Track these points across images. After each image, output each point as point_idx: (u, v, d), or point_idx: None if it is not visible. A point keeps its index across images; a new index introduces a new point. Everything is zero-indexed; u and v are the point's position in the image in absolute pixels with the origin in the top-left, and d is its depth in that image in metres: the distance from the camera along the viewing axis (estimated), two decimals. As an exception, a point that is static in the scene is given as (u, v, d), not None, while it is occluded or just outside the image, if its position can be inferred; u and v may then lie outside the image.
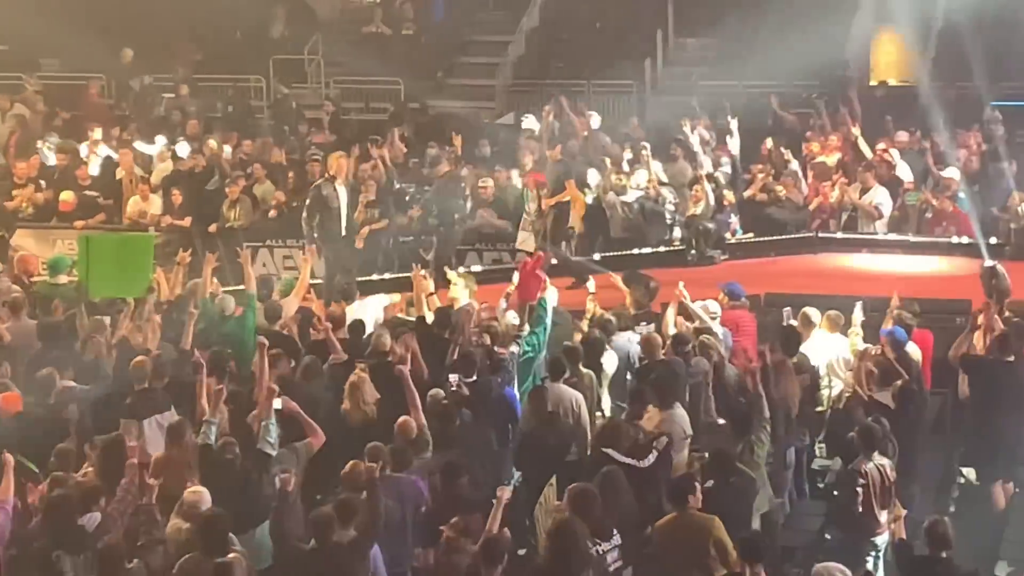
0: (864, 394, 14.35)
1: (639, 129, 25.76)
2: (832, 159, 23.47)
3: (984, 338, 15.09)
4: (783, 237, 22.12)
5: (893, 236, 21.63)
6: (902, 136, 24.00)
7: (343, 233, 20.44)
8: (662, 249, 21.68)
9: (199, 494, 11.19)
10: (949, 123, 24.58)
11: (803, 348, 15.27)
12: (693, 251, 21.24)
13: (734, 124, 23.61)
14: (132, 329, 15.64)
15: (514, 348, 14.89)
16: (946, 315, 17.13)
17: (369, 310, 16.88)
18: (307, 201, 20.46)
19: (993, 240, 20.76)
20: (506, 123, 28.77)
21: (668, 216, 22.21)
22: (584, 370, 14.64)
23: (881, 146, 23.55)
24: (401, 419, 12.68)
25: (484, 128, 27.30)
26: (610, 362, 15.21)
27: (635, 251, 21.44)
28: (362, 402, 13.51)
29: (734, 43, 29.62)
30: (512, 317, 15.95)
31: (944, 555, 10.56)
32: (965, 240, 20.96)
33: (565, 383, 14.15)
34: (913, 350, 15.23)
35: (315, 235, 20.10)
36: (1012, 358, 14.65)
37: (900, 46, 29.28)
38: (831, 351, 15.66)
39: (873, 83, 28.94)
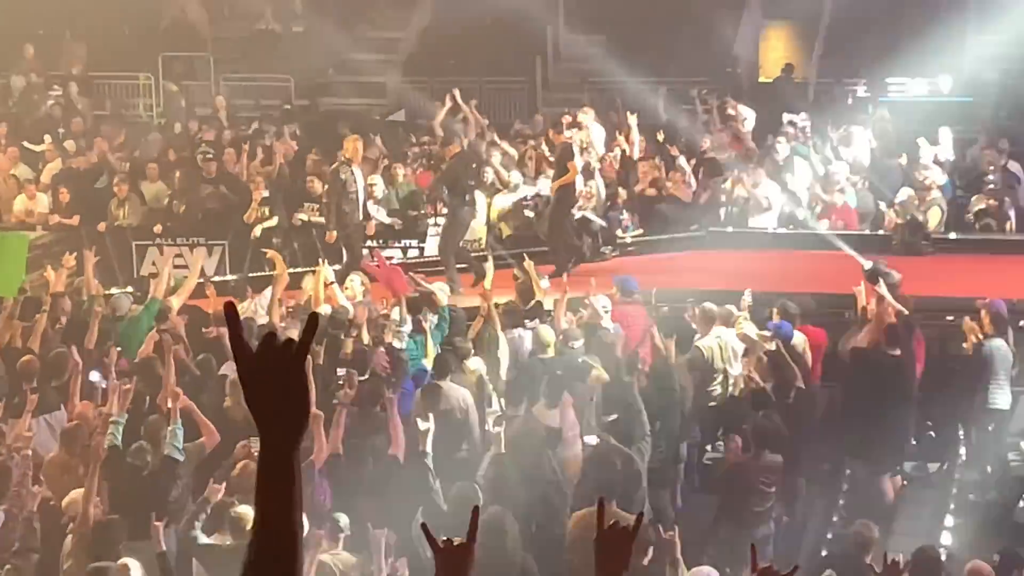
0: (753, 387, 14.47)
1: (536, 125, 25.91)
2: (723, 155, 23.62)
3: (873, 332, 15.25)
4: (673, 235, 22.13)
5: (783, 230, 21.79)
6: (790, 131, 24.18)
7: (360, 218, 20.25)
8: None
9: (76, 501, 11.09)
10: (837, 119, 24.91)
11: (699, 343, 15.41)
12: (586, 248, 21.26)
13: (633, 120, 23.60)
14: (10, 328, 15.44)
15: (396, 343, 14.94)
16: (834, 310, 17.26)
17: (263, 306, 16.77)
18: (325, 187, 20.14)
19: (881, 233, 20.98)
20: (397, 119, 28.74)
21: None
22: (472, 368, 14.64)
23: (769, 141, 23.76)
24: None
25: (375, 125, 27.25)
26: (503, 358, 15.20)
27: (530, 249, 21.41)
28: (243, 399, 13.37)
29: (624, 39, 29.71)
30: (394, 312, 15.91)
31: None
32: (853, 233, 21.15)
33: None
34: (800, 342, 15.40)
35: (334, 220, 19.75)
36: (899, 352, 14.82)
37: (788, 43, 29.57)
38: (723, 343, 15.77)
39: (763, 79, 29.20)
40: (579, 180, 20.47)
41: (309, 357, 3.32)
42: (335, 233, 19.65)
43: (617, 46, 29.51)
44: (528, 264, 16.80)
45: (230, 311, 3.20)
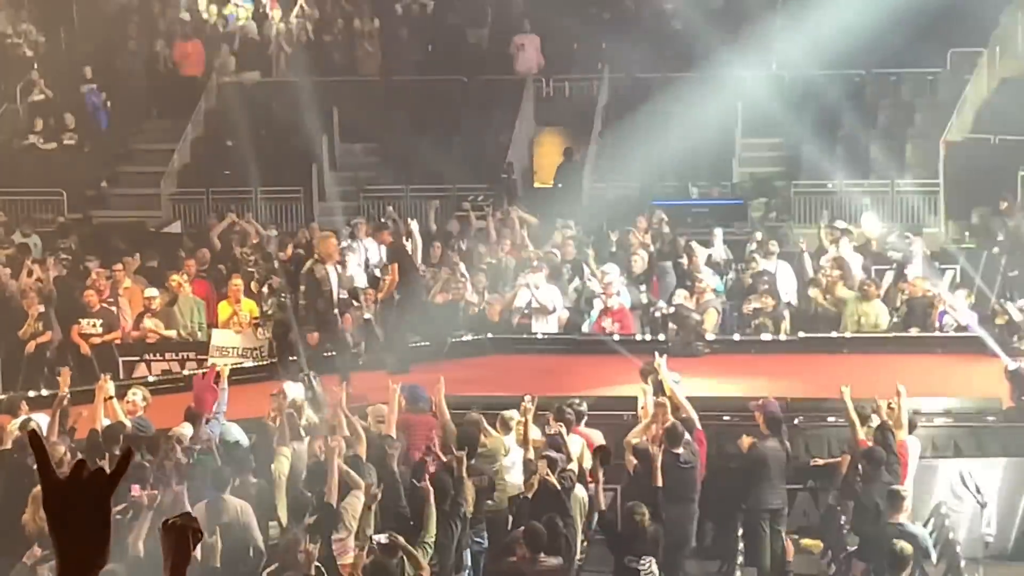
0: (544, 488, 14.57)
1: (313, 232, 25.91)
2: (507, 261, 23.85)
3: (653, 430, 15.47)
4: (458, 340, 22.06)
5: (564, 335, 21.98)
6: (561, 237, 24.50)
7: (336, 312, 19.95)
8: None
9: None
10: (611, 222, 25.34)
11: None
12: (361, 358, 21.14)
13: (414, 226, 23.64)
14: None
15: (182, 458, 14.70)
16: (614, 412, 17.41)
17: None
18: (301, 287, 19.89)
19: (661, 337, 21.23)
20: (173, 231, 28.46)
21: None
22: (252, 480, 14.53)
23: (547, 247, 24.05)
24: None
25: (149, 237, 27.00)
26: (281, 468, 15.09)
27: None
28: (37, 517, 13.12)
29: (399, 148, 29.91)
30: (187, 428, 15.67)
31: None
32: (631, 338, 21.41)
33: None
34: (577, 445, 15.60)
35: (312, 318, 19.52)
36: (680, 450, 15.02)
37: (562, 148, 29.98)
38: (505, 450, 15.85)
39: (537, 185, 29.55)
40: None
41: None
42: (317, 335, 19.50)
43: (392, 155, 29.72)
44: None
45: (34, 439, 3.20)
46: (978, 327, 20.79)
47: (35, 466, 3.15)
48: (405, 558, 12.65)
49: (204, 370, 17.04)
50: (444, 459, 14.52)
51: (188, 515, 3.56)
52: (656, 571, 14.10)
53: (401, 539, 12.81)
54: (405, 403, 16.31)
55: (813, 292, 22.74)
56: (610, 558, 15.08)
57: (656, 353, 17.07)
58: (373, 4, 32.84)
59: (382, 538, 12.88)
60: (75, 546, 3.03)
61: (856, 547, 15.09)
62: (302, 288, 19.60)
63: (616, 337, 21.24)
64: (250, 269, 22.16)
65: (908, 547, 13.19)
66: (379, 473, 14.51)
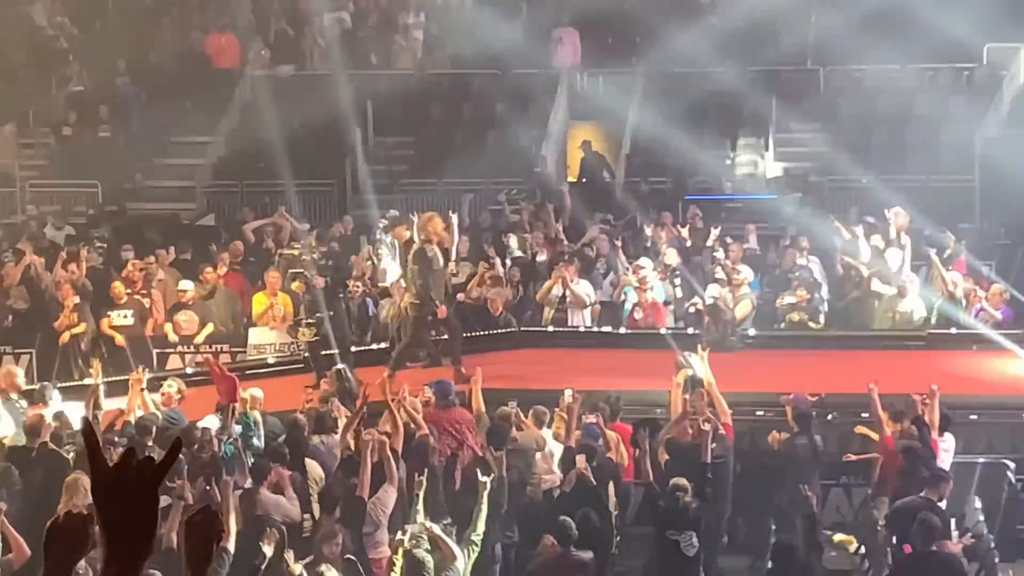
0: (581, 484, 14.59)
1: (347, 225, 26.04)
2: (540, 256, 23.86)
3: (685, 425, 15.47)
4: (489, 332, 22.05)
5: (596, 328, 21.97)
6: (594, 232, 24.48)
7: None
8: (374, 347, 21.56)
9: None
10: (645, 217, 25.30)
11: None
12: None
13: (454, 219, 23.64)
14: None
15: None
16: (647, 407, 17.40)
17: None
18: (413, 266, 19.40)
19: (696, 331, 21.19)
20: (207, 224, 28.52)
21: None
22: (287, 472, 14.57)
23: (582, 241, 24.09)
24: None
25: (184, 229, 27.09)
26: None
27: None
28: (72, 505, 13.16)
29: (433, 141, 29.93)
30: (210, 421, 15.73)
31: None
32: (666, 331, 21.39)
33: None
34: (612, 440, 15.61)
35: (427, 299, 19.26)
36: (714, 445, 15.00)
37: (595, 143, 29.93)
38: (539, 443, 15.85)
39: (571, 180, 29.51)
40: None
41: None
42: (444, 307, 19.50)
43: (426, 148, 29.71)
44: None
45: (87, 426, 3.24)
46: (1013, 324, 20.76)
47: (84, 454, 3.18)
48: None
49: (224, 363, 16.94)
50: (479, 453, 14.52)
51: (210, 511, 3.54)
52: (697, 544, 14.11)
53: (436, 528, 12.83)
54: (435, 399, 16.31)
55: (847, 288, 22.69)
56: (644, 551, 15.13)
57: (699, 346, 17.01)
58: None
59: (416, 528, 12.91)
60: (122, 534, 3.04)
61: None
62: (414, 268, 19.28)
63: (662, 330, 21.24)
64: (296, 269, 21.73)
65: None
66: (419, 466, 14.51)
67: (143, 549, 3.05)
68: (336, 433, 15.73)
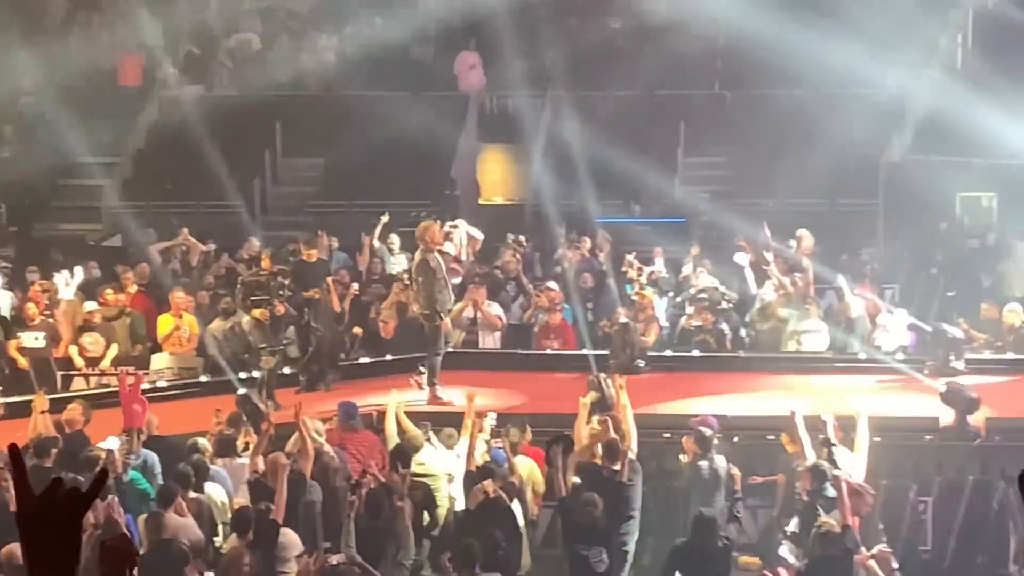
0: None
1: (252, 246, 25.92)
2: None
3: (592, 448, 15.53)
4: (394, 357, 21.97)
5: (507, 350, 22.02)
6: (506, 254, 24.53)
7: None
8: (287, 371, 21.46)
9: None
10: (554, 239, 25.42)
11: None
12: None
13: (366, 241, 23.53)
14: None
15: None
16: (557, 428, 17.41)
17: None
18: (419, 278, 19.21)
19: (605, 353, 21.28)
20: (113, 245, 28.32)
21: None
22: (200, 494, 14.51)
23: (493, 264, 24.15)
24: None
25: (89, 250, 26.90)
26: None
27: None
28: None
29: (342, 163, 29.89)
30: (112, 442, 15.62)
31: None
32: (573, 353, 21.50)
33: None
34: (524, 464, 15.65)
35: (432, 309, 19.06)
36: (618, 467, 15.07)
37: (505, 165, 30.04)
38: (447, 465, 15.88)
39: (481, 201, 29.58)
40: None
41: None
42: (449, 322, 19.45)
43: (336, 170, 29.66)
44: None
45: (14, 451, 3.30)
46: (914, 347, 21.05)
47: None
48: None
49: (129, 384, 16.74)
50: (381, 478, 14.51)
51: (126, 538, 3.57)
52: (607, 560, 14.21)
53: (358, 557, 12.83)
54: (339, 420, 16.35)
55: (753, 314, 22.86)
56: (553, 572, 15.20)
57: (616, 374, 17.13)
58: (325, 21, 32.84)
59: (339, 557, 12.89)
60: (47, 561, 3.06)
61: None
62: (419, 280, 19.12)
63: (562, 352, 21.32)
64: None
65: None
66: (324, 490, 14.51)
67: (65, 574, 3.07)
68: (240, 457, 15.70)
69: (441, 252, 19.22)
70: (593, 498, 14.29)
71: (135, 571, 3.74)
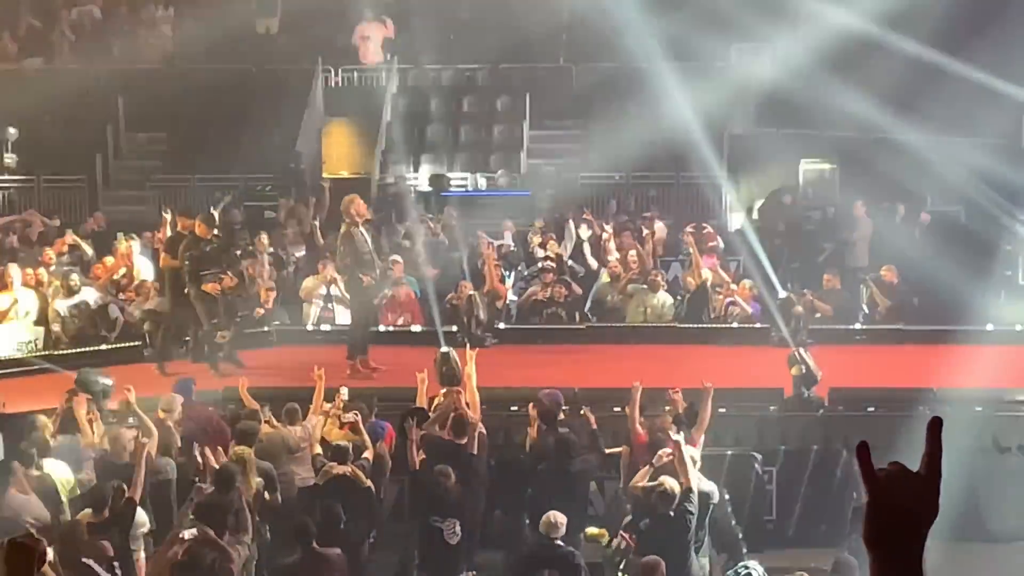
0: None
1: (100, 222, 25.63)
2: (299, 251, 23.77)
3: (438, 420, 15.52)
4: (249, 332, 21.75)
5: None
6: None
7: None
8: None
9: None
10: (401, 213, 25.36)
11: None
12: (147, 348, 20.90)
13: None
14: None
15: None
16: (399, 403, 17.37)
17: None
18: (340, 248, 19.49)
19: (453, 328, 21.25)
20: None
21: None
22: (36, 472, 14.35)
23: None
24: None
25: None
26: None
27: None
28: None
29: (185, 137, 29.55)
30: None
31: None
32: (423, 330, 21.50)
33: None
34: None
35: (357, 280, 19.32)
36: (464, 440, 15.08)
37: (351, 138, 29.90)
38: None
39: (326, 175, 29.39)
40: None
41: None
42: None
43: (179, 144, 29.31)
44: None
45: None
46: (762, 316, 21.30)
47: None
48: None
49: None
50: (213, 459, 14.38)
51: (31, 536, 3.48)
52: (459, 532, 14.27)
53: (211, 532, 12.71)
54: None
55: (601, 285, 23.00)
56: (401, 545, 15.20)
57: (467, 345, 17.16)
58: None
59: (190, 532, 12.79)
60: None
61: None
62: (342, 250, 19.32)
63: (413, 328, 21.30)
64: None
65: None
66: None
67: None
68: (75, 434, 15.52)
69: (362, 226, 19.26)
70: (445, 469, 14.32)
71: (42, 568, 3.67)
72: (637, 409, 15.62)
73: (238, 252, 20.36)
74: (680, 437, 14.55)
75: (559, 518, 13.79)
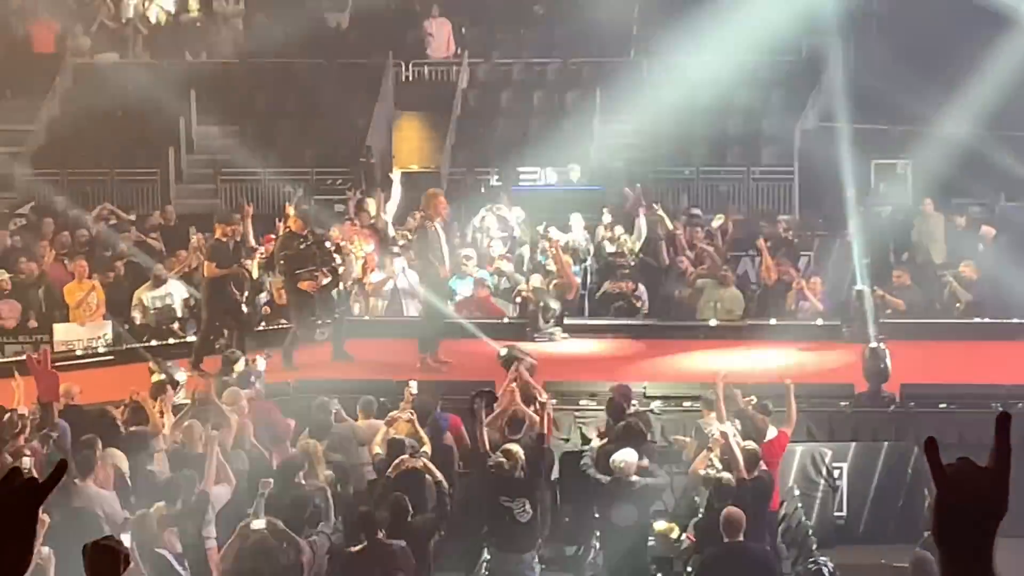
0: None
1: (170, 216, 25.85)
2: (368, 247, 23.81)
3: (501, 418, 15.59)
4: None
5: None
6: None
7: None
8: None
9: None
10: (471, 207, 25.37)
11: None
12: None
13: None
14: None
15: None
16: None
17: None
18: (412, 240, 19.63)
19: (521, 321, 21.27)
20: (24, 212, 27.99)
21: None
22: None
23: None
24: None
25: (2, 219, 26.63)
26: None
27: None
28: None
29: (257, 131, 29.68)
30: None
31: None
32: (488, 321, 21.50)
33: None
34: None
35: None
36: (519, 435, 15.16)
37: (421, 133, 29.97)
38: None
39: (397, 169, 29.45)
40: None
41: None
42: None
43: (251, 137, 29.44)
44: None
45: None
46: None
47: None
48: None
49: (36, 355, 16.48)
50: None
51: (113, 539, 3.51)
52: (530, 511, 14.32)
53: (280, 524, 12.81)
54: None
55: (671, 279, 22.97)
56: (469, 547, 15.23)
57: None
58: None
59: (259, 524, 12.87)
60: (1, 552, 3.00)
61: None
62: (416, 244, 19.33)
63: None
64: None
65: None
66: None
67: (18, 567, 3.02)
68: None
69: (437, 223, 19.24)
70: (515, 449, 14.37)
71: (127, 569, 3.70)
72: (722, 402, 15.55)
73: (331, 248, 20.14)
74: (728, 428, 14.56)
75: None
